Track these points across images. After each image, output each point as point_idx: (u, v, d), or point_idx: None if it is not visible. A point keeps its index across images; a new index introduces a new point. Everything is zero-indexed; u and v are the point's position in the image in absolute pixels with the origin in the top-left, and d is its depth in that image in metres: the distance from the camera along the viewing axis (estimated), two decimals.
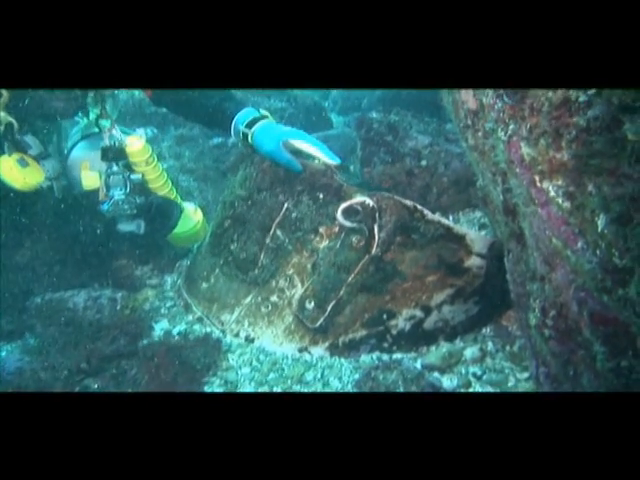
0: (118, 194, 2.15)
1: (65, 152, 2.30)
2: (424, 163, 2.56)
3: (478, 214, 2.58)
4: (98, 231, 2.20)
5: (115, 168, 2.16)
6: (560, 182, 1.10)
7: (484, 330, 1.99)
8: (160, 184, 2.32)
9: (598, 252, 1.07)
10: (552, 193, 1.13)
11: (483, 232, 2.34)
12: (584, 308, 1.25)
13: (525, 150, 1.17)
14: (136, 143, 2.21)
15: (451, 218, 2.67)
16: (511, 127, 1.23)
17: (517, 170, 1.26)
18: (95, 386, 1.45)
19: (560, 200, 1.11)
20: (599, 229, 1.03)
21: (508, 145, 1.25)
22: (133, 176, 2.20)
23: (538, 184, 1.19)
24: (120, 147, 2.15)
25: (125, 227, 2.23)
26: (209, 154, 3.33)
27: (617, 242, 0.98)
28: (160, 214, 2.31)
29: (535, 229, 1.34)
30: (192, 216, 2.50)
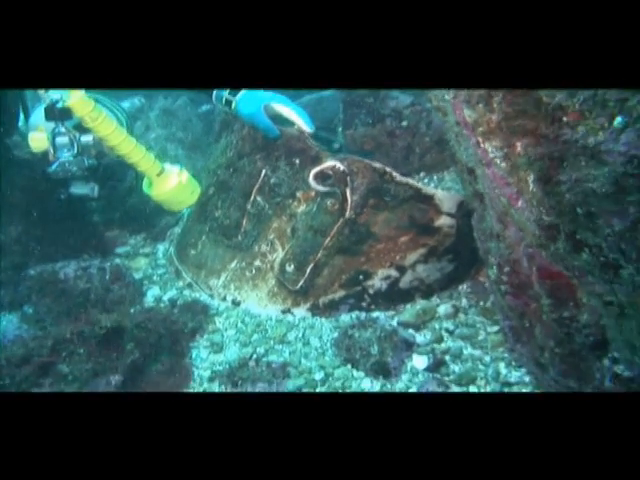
0: (66, 155, 2.14)
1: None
2: (405, 123, 2.57)
3: None
4: (62, 196, 2.21)
5: (62, 129, 2.13)
6: (496, 143, 1.13)
7: (461, 287, 2.05)
8: (117, 142, 2.20)
9: (533, 210, 1.11)
10: (491, 154, 1.16)
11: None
12: (533, 264, 1.30)
13: (466, 112, 1.20)
14: (74, 96, 2.11)
15: (435, 177, 2.69)
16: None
17: (464, 132, 1.29)
18: (81, 350, 1.55)
19: (498, 161, 1.15)
20: (530, 188, 1.06)
21: (454, 107, 1.27)
22: (83, 137, 2.17)
23: (482, 145, 1.22)
24: (63, 106, 2.08)
25: (77, 190, 2.23)
26: (197, 122, 3.35)
27: (543, 200, 1.02)
28: (109, 176, 2.30)
29: (487, 188, 1.37)
30: (174, 177, 2.41)
